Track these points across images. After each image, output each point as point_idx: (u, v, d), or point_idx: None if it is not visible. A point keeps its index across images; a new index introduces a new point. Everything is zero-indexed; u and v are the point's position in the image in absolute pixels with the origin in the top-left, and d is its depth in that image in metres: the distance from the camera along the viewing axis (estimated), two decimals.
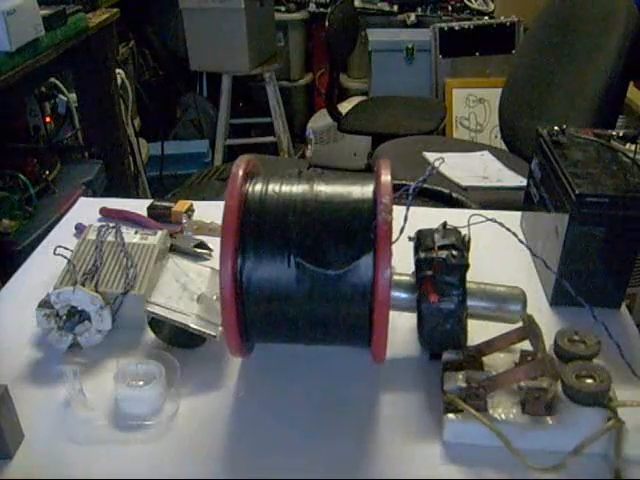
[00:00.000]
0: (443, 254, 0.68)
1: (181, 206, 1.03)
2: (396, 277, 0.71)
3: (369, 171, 0.84)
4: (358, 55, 3.11)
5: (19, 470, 0.62)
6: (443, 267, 0.68)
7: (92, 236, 0.85)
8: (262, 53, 2.90)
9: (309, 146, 3.10)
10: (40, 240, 1.01)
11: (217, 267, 0.63)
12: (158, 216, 1.02)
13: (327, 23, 2.45)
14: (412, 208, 0.69)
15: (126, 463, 0.63)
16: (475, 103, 2.86)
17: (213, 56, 2.80)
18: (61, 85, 2.03)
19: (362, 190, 0.68)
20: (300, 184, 0.69)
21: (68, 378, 0.67)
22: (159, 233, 0.87)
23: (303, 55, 3.43)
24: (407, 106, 2.59)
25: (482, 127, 2.86)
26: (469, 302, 0.69)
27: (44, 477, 0.61)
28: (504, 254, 0.89)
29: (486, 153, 1.87)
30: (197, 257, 0.93)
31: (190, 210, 1.03)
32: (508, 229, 0.72)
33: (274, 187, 0.68)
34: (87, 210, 1.06)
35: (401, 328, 0.76)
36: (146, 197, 2.45)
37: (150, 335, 0.78)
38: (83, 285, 0.76)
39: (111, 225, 0.87)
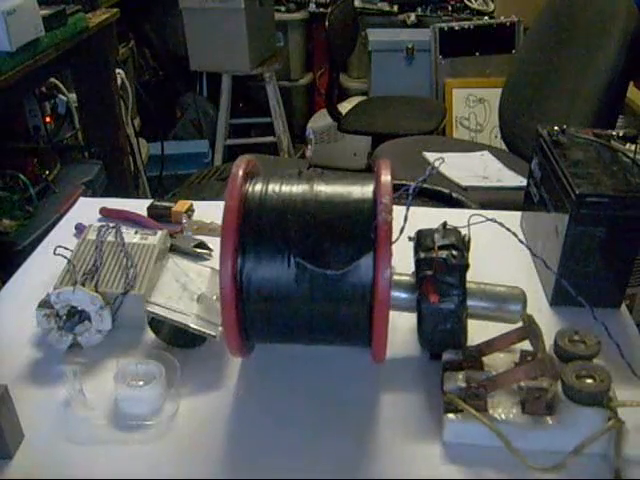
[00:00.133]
0: (443, 254, 0.69)
1: (181, 206, 1.03)
2: (396, 277, 0.71)
3: (369, 171, 0.84)
4: (358, 55, 3.11)
5: (19, 470, 0.62)
6: (443, 267, 0.68)
7: (92, 236, 0.85)
8: (262, 53, 2.90)
9: (309, 146, 3.10)
10: (40, 240, 1.01)
11: (217, 267, 0.63)
12: (158, 216, 1.02)
13: (327, 23, 2.44)
14: (412, 208, 0.68)
15: (126, 463, 0.63)
16: (475, 103, 2.86)
17: (213, 56, 2.80)
18: (61, 85, 2.03)
19: (362, 190, 0.68)
20: (300, 184, 0.69)
21: (68, 378, 0.67)
22: (159, 233, 0.87)
23: (303, 55, 3.42)
24: (407, 106, 2.59)
25: (482, 127, 2.85)
26: (469, 302, 0.69)
27: (44, 477, 0.61)
28: (504, 254, 0.89)
29: (486, 153, 1.87)
30: (197, 257, 0.93)
31: (190, 210, 1.03)
32: (508, 229, 0.72)
33: (274, 187, 0.68)
34: (87, 210, 1.05)
35: (401, 328, 0.76)
36: (146, 197, 2.45)
37: (150, 335, 0.78)
38: (83, 285, 0.76)
39: (111, 225, 0.87)
